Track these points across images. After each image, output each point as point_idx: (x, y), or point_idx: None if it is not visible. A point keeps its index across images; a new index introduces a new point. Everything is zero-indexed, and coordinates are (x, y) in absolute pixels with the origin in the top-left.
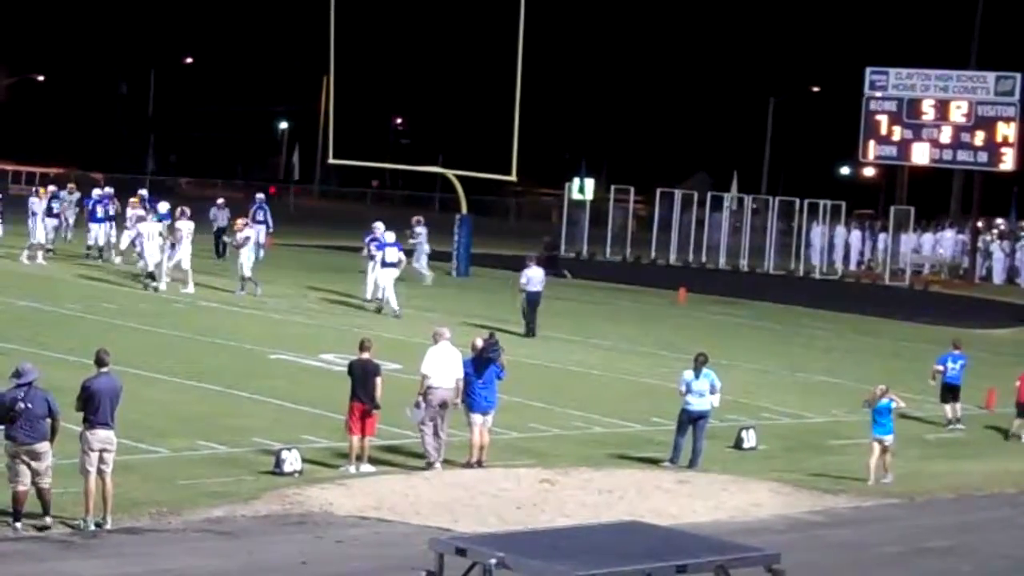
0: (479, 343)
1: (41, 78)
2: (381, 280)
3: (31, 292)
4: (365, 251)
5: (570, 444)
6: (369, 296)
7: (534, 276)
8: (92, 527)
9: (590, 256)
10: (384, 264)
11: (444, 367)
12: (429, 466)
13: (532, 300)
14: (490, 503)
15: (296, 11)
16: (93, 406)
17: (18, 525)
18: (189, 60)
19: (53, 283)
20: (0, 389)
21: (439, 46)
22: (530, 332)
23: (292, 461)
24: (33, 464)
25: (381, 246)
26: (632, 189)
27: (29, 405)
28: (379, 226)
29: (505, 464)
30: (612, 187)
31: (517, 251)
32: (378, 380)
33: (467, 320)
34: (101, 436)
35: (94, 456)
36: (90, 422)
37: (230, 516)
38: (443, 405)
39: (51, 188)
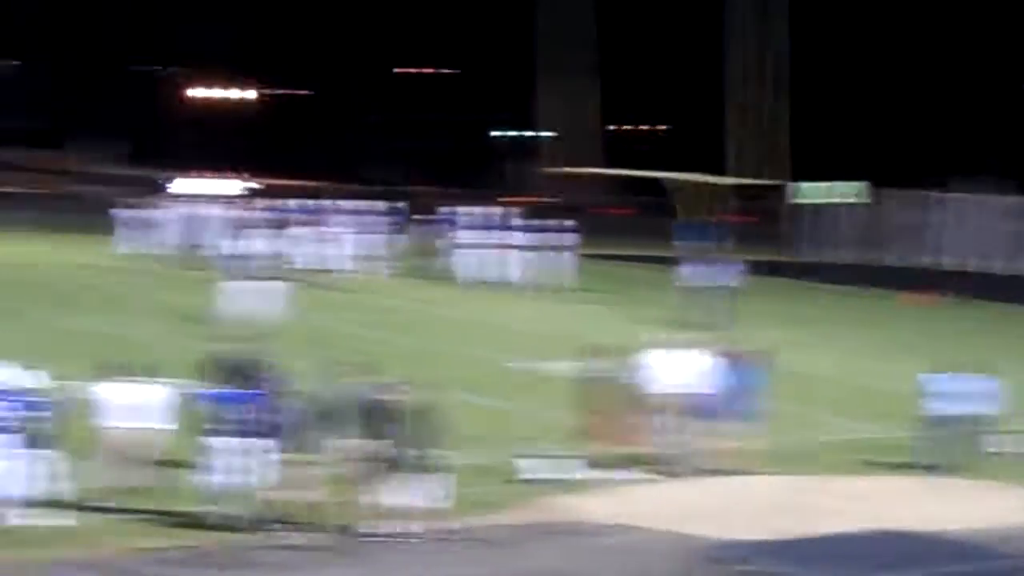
0: (729, 351)
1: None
2: None
3: None
4: None
5: (822, 450)
6: None
7: None
8: (352, 535)
9: None
10: None
11: (672, 372)
12: (674, 475)
13: None
14: (743, 511)
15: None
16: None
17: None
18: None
19: None
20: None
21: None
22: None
23: (541, 469)
24: None
25: None
26: None
27: None
28: None
29: (761, 471)
30: None
31: None
32: (611, 385)
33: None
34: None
35: (353, 465)
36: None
37: (481, 525)
38: (677, 411)
39: None
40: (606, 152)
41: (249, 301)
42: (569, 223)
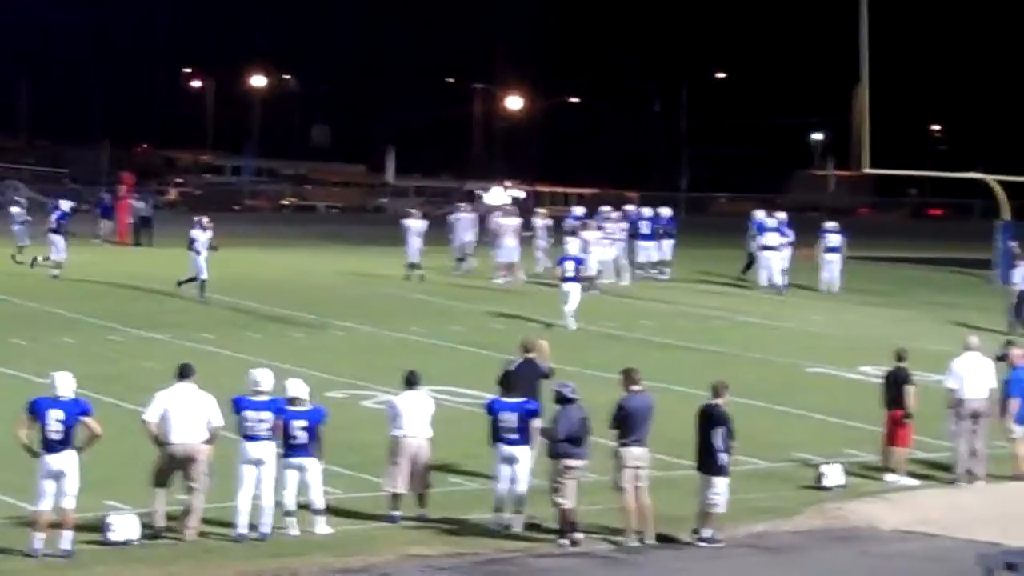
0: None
1: (575, 100)
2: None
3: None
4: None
5: None
6: None
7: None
8: (634, 543)
9: None
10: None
11: (974, 377)
12: (954, 481)
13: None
14: None
15: (827, 20)
16: (628, 425)
17: (564, 541)
18: (721, 75)
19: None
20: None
21: (977, 47)
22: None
23: (834, 475)
24: None
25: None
26: None
27: None
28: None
29: None
30: None
31: None
32: (910, 388)
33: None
34: (636, 454)
35: (629, 473)
36: (625, 440)
37: (773, 532)
38: (975, 416)
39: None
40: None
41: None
42: (832, 225)
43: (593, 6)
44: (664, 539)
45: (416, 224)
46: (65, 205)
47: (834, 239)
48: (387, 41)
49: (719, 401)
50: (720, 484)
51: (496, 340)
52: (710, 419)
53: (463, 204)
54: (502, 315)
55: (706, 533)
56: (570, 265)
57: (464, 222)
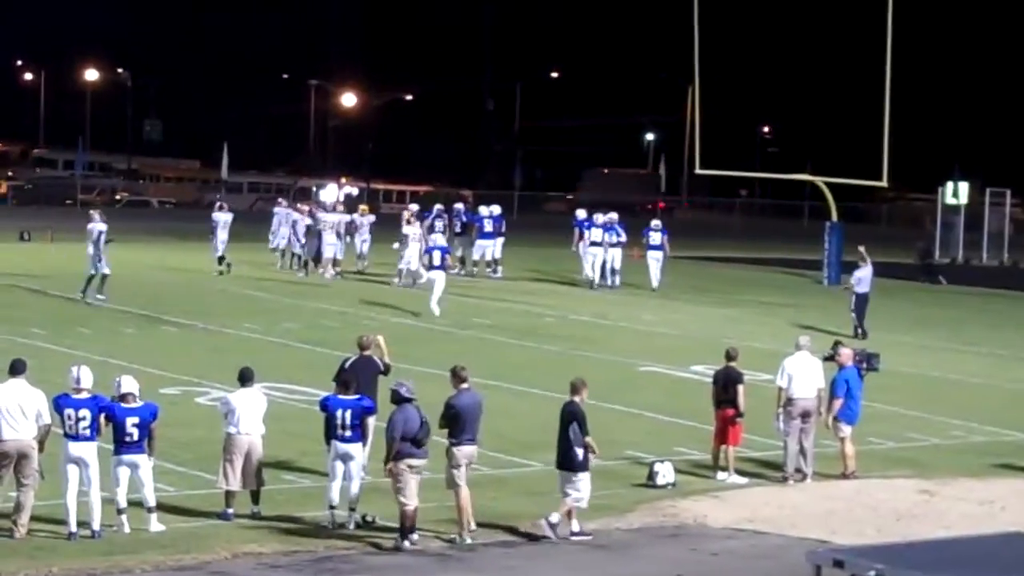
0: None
1: (409, 97)
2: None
3: (398, 309)
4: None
5: (949, 453)
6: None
7: (864, 277)
8: (468, 540)
9: (965, 261)
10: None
11: (804, 376)
12: (784, 479)
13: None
14: (867, 515)
15: (659, 21)
16: (459, 423)
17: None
18: (555, 74)
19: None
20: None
21: (806, 50)
22: (859, 334)
23: (665, 473)
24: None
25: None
26: (1008, 192)
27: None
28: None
29: (882, 475)
30: (988, 190)
31: (889, 258)
32: (740, 388)
33: (838, 329)
34: (467, 452)
35: (462, 471)
36: (457, 439)
37: (605, 529)
38: (805, 415)
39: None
40: None
41: None
42: (655, 223)
43: (428, 3)
44: (530, 537)
45: (224, 217)
46: None
47: (656, 237)
48: (221, 36)
49: (576, 398)
50: (578, 479)
51: (329, 337)
52: (566, 416)
53: (281, 199)
54: (335, 312)
55: (575, 527)
56: (436, 254)
57: (281, 216)
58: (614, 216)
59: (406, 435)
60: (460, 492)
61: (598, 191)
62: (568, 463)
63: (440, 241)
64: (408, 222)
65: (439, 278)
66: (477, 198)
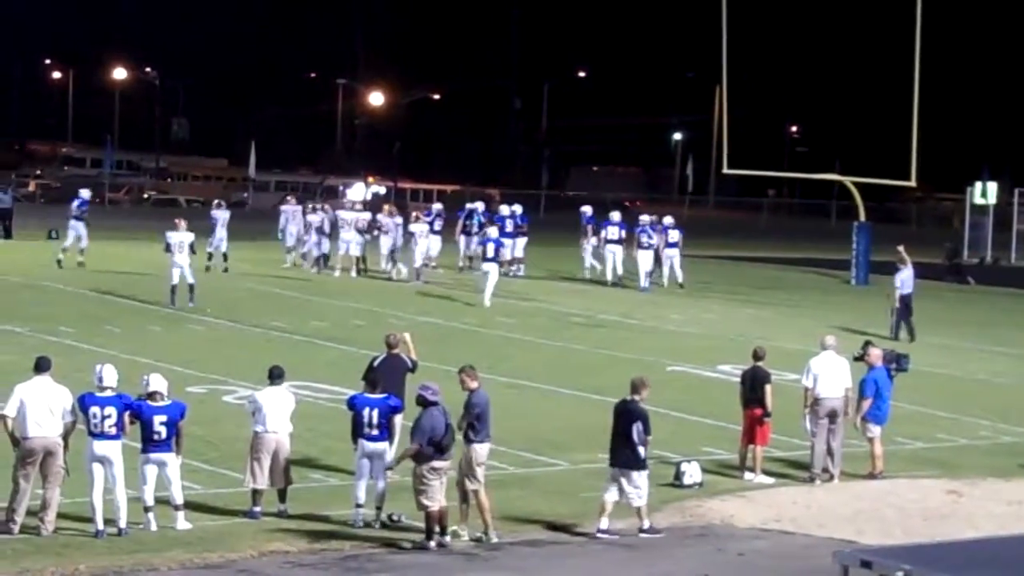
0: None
1: (436, 96)
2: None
3: (425, 308)
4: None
5: (977, 454)
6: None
7: (906, 278)
8: (495, 539)
9: (994, 261)
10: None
11: (830, 376)
12: (811, 479)
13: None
14: (895, 515)
15: (687, 20)
16: (481, 422)
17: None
18: (582, 74)
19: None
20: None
21: (835, 50)
22: (901, 336)
23: (692, 473)
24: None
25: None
26: None
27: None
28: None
29: (910, 475)
30: (1016, 190)
31: (917, 258)
32: (768, 387)
33: (865, 329)
34: (488, 449)
35: (483, 469)
36: (478, 438)
37: (631, 529)
38: (832, 415)
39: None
40: None
41: None
42: (648, 219)
43: (456, 3)
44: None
45: (222, 215)
46: None
47: (670, 234)
48: (249, 35)
49: (637, 397)
50: (639, 477)
51: (357, 336)
52: (629, 415)
53: (289, 197)
54: (364, 310)
55: (645, 524)
56: (491, 247)
57: (288, 214)
58: (647, 218)
59: (432, 439)
60: (481, 490)
61: (586, 188)
62: (631, 462)
63: (493, 234)
64: (416, 219)
65: (492, 270)
66: (503, 197)
